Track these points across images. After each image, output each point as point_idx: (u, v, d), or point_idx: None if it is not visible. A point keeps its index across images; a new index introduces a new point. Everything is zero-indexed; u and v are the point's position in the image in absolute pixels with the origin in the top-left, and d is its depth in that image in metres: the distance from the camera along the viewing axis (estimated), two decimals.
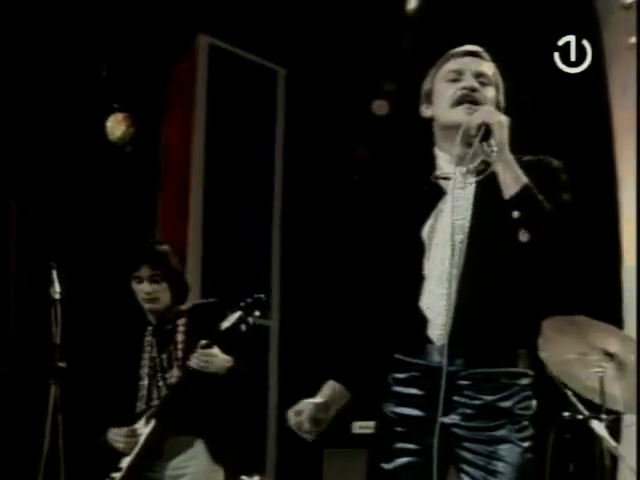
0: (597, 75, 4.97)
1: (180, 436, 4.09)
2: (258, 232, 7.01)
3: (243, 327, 3.98)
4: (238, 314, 3.97)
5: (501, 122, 2.64)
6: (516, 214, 2.59)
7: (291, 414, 2.83)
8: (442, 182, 2.76)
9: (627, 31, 5.21)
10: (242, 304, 3.99)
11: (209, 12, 6.47)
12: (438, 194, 2.76)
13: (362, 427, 5.21)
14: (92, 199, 6.28)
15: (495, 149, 2.62)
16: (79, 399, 4.29)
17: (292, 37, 6.67)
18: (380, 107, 6.72)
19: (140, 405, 4.16)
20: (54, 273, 4.23)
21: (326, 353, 6.38)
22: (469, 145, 2.67)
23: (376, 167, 6.66)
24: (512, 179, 2.62)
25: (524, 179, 2.62)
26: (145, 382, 4.17)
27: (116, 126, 6.39)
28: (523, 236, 2.60)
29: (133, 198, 6.41)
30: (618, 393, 4.19)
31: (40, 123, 5.98)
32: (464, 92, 2.77)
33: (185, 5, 6.36)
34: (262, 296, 4.03)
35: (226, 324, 3.98)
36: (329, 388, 2.87)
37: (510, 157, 2.65)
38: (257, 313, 3.98)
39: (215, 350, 4.00)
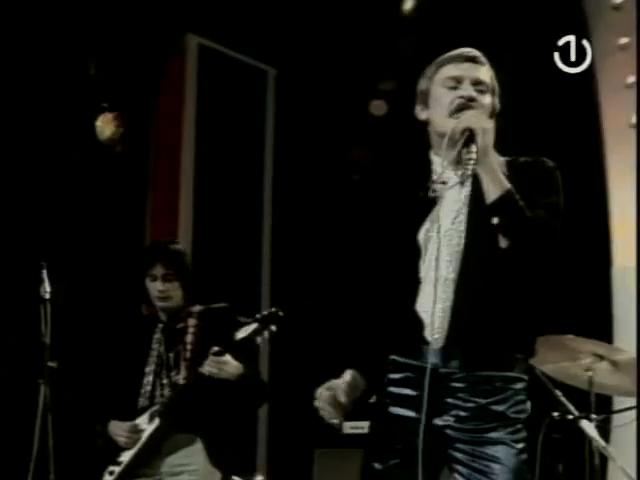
0: (587, 75, 4.97)
1: (180, 434, 4.13)
2: (248, 232, 7.00)
3: (259, 340, 4.02)
4: (254, 326, 3.99)
5: (484, 128, 2.65)
6: (495, 220, 2.61)
7: (323, 390, 2.80)
8: (438, 186, 2.76)
9: (617, 31, 5.22)
10: (258, 316, 4.02)
11: (199, 11, 6.46)
12: (434, 198, 2.76)
13: (353, 427, 5.21)
14: (82, 198, 6.27)
15: (474, 156, 2.63)
16: (81, 391, 4.31)
17: (283, 37, 6.66)
18: (376, 108, 6.71)
19: (143, 401, 4.19)
20: (44, 272, 4.23)
21: (319, 355, 6.39)
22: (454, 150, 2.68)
23: (370, 169, 6.65)
24: (494, 185, 2.64)
25: (506, 185, 2.64)
26: (150, 378, 4.20)
27: (106, 126, 6.37)
28: (502, 242, 2.62)
29: (123, 198, 6.39)
30: (614, 383, 4.22)
31: (29, 122, 5.96)
32: (462, 101, 2.75)
33: (175, 4, 6.35)
34: (278, 310, 4.05)
35: (241, 335, 4.01)
36: (350, 374, 2.84)
37: (493, 162, 2.66)
38: (273, 327, 4.00)
39: (227, 357, 4.03)
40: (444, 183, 2.74)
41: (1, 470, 5.18)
